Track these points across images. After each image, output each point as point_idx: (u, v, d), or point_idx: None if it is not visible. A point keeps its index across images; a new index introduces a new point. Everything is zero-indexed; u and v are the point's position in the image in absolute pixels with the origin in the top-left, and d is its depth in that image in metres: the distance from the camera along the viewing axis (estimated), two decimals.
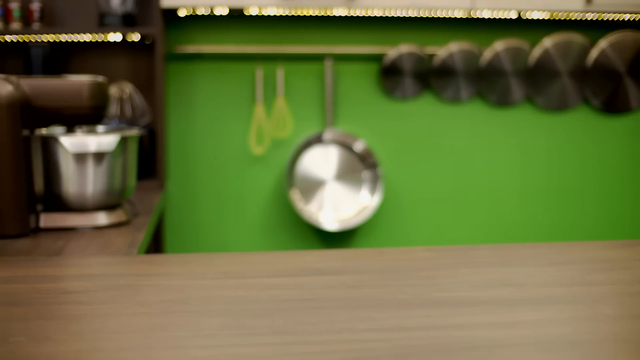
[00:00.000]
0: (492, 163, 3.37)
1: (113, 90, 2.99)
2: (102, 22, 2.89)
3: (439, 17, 3.24)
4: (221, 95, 3.20)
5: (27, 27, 2.92)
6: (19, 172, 1.56)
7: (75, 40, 3.03)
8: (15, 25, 2.89)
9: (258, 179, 3.24)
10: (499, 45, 3.26)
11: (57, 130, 1.87)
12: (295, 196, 3.16)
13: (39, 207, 1.71)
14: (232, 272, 0.98)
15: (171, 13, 3.07)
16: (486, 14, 3.16)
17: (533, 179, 3.40)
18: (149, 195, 2.53)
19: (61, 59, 3.03)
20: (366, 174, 3.16)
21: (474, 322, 0.80)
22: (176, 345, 0.73)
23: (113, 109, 2.98)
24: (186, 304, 0.87)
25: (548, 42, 3.28)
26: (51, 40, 2.98)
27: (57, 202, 1.74)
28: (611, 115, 3.40)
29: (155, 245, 2.80)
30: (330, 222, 3.15)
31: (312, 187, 3.17)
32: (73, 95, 1.66)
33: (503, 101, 3.31)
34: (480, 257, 1.12)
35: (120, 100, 3.01)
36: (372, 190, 3.13)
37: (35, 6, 2.90)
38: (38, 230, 1.68)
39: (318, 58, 3.22)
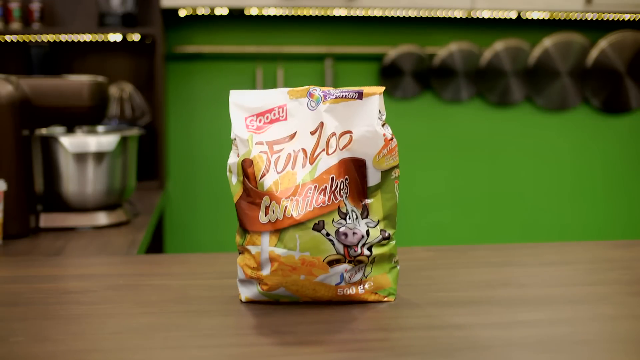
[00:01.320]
0: (492, 163, 3.37)
1: (113, 90, 2.99)
2: (102, 22, 2.89)
3: (439, 17, 3.24)
4: (221, 95, 3.20)
5: (27, 27, 2.92)
6: (19, 172, 1.56)
7: (75, 40, 3.03)
8: (15, 25, 2.89)
9: None
10: (499, 45, 3.26)
11: (57, 130, 1.87)
12: None
13: (39, 207, 1.71)
14: (232, 272, 0.98)
15: (171, 13, 3.07)
16: (486, 14, 3.16)
17: (533, 178, 3.40)
18: (149, 195, 2.53)
19: (61, 59, 3.03)
20: None
21: (474, 322, 0.79)
22: (176, 345, 0.73)
23: (113, 109, 2.98)
24: (186, 304, 0.87)
25: (548, 42, 3.28)
26: (51, 40, 2.98)
27: (57, 202, 1.74)
28: (611, 115, 3.40)
29: (155, 245, 2.81)
30: None
31: None
32: (73, 95, 1.67)
33: (503, 101, 3.31)
34: (480, 257, 1.12)
35: (120, 100, 3.01)
36: None
37: (35, 6, 2.90)
38: (38, 230, 1.68)
39: (318, 58, 3.22)
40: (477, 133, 3.35)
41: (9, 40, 2.99)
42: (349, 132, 0.84)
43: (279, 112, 0.86)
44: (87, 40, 3.03)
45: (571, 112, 3.38)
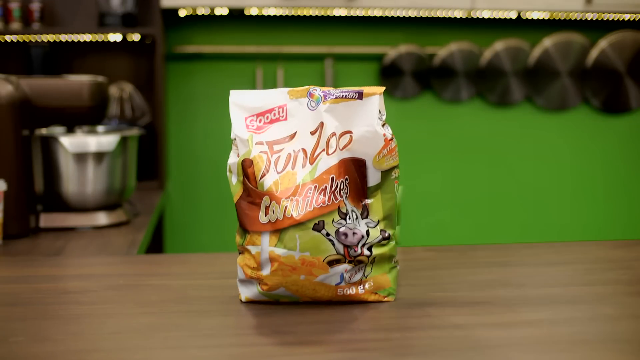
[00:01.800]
0: (492, 163, 3.37)
1: (113, 90, 2.99)
2: (102, 22, 2.89)
3: (439, 17, 3.24)
4: (221, 95, 3.20)
5: (27, 27, 2.92)
6: (19, 172, 1.56)
7: (75, 40, 3.03)
8: (15, 25, 2.89)
9: None
10: (499, 45, 3.26)
11: (57, 130, 1.87)
12: None
13: (39, 207, 1.71)
14: (232, 272, 0.98)
15: (171, 13, 3.07)
16: (486, 14, 3.16)
17: (533, 178, 3.40)
18: (149, 195, 2.53)
19: (61, 59, 3.03)
20: None
21: (474, 322, 0.79)
22: (176, 345, 0.73)
23: (113, 109, 2.98)
24: (186, 304, 0.87)
25: (548, 42, 3.28)
26: (51, 40, 2.98)
27: (57, 202, 1.74)
28: (611, 115, 3.40)
29: (155, 245, 2.81)
30: None
31: None
32: (73, 95, 1.67)
33: (503, 101, 3.31)
34: (480, 257, 1.12)
35: (120, 100, 3.00)
36: None
37: (35, 6, 2.90)
38: (38, 230, 1.68)
39: (318, 58, 3.22)
40: (477, 133, 3.35)
41: (9, 40, 2.99)
42: (349, 132, 0.84)
43: (279, 112, 0.86)
44: (87, 40, 3.03)
45: (571, 112, 3.38)
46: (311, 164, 0.84)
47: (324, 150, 0.84)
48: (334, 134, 0.84)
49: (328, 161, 0.84)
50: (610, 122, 3.41)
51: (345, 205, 0.83)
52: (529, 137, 3.38)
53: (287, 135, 0.85)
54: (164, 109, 2.92)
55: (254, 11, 3.08)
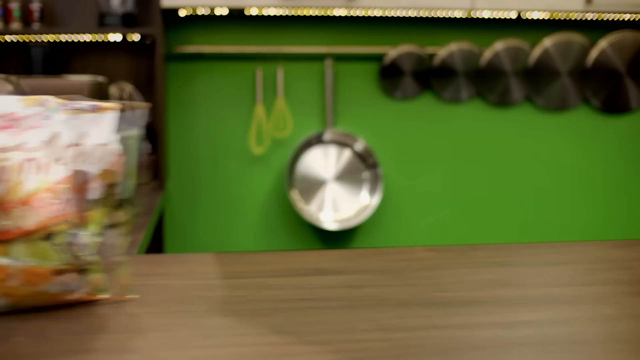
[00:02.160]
0: (492, 163, 3.37)
1: (113, 90, 2.99)
2: (102, 22, 2.89)
3: (439, 17, 3.24)
4: (221, 95, 3.20)
5: (27, 27, 2.92)
6: None
7: (75, 40, 3.03)
8: (15, 25, 2.89)
9: (258, 179, 3.24)
10: (499, 45, 3.26)
11: None
12: (295, 196, 3.16)
13: None
14: (232, 272, 0.98)
15: (171, 13, 3.07)
16: (486, 14, 3.16)
17: (533, 178, 3.40)
18: (149, 195, 2.53)
19: (61, 59, 3.03)
20: (366, 174, 3.16)
21: (474, 322, 0.79)
22: (176, 345, 0.73)
23: None
24: (186, 304, 0.87)
25: (548, 42, 3.28)
26: (51, 40, 2.98)
27: None
28: (611, 115, 3.40)
29: (155, 245, 2.80)
30: (330, 222, 3.15)
31: (312, 187, 3.17)
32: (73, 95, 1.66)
33: (503, 101, 3.31)
34: (480, 257, 1.12)
35: (120, 100, 3.00)
36: (372, 190, 3.13)
37: (35, 6, 2.90)
38: None
39: (318, 58, 3.22)
40: (477, 133, 3.35)
41: (9, 40, 2.99)
42: (81, 144, 0.85)
43: (10, 119, 0.84)
44: (87, 40, 3.03)
45: (571, 112, 3.38)
46: (42, 174, 0.83)
47: (56, 160, 0.84)
48: (67, 145, 0.84)
49: (60, 172, 0.83)
50: (610, 122, 3.41)
51: (74, 216, 0.83)
52: (529, 137, 3.38)
53: (18, 144, 0.83)
54: (164, 109, 2.92)
55: (254, 11, 3.08)
